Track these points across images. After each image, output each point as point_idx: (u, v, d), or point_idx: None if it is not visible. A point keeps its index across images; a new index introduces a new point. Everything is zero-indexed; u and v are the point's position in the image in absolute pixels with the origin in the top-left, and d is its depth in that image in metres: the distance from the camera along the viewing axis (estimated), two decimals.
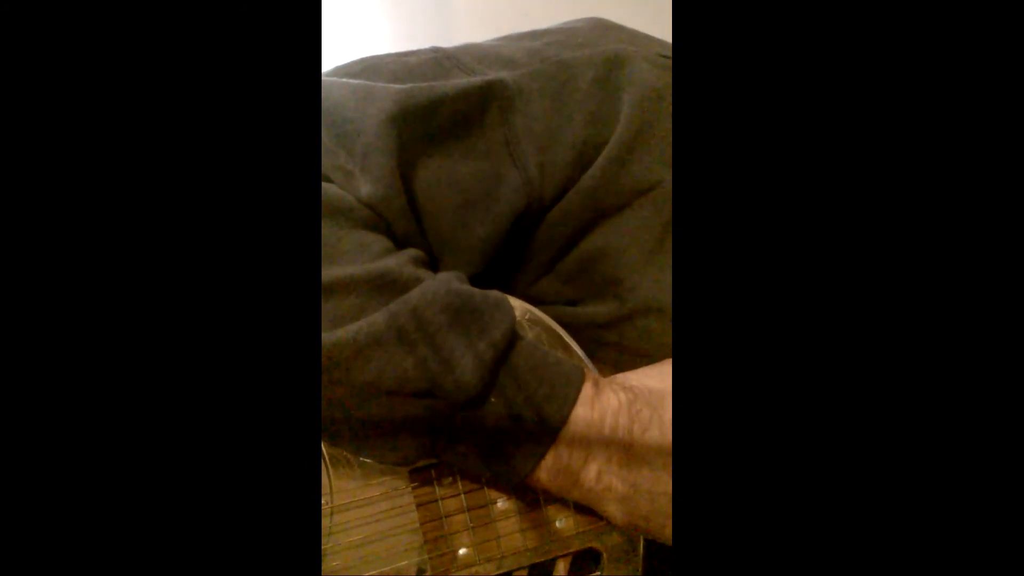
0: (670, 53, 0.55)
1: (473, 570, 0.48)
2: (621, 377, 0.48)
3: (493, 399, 0.43)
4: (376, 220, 0.45)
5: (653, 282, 0.49)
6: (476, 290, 0.45)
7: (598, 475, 0.45)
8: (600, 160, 0.48)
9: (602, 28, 0.56)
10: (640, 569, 0.50)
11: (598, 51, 0.51)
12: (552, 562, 0.49)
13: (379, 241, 0.45)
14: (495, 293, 0.45)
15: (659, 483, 0.45)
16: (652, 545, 0.50)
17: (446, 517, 0.48)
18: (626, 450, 0.44)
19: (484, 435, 0.43)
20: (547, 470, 0.45)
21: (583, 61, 0.50)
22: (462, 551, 0.48)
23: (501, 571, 0.48)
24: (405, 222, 0.46)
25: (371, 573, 0.46)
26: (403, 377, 0.41)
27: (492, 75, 0.49)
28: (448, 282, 0.44)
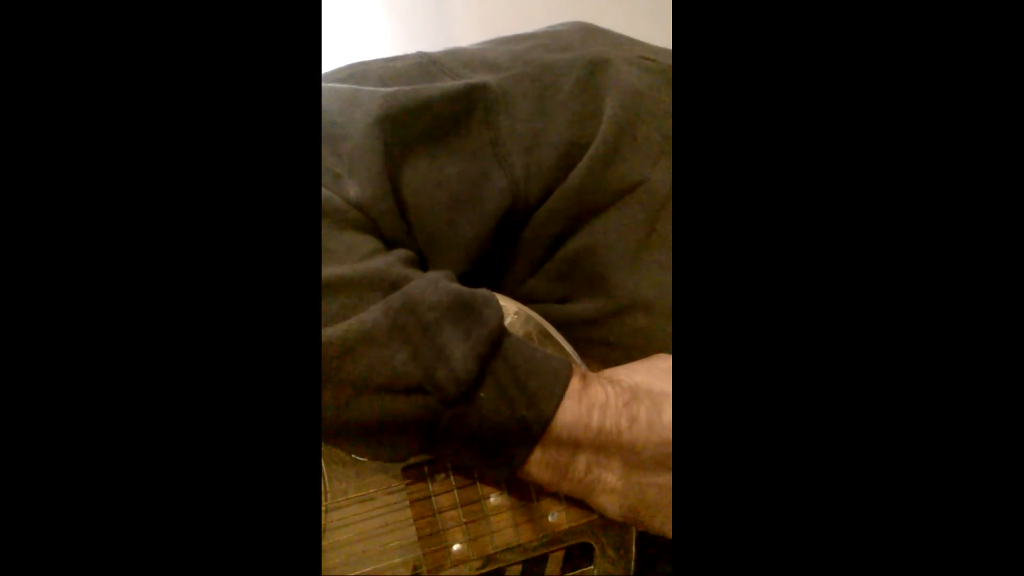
0: (652, 55, 0.56)
1: (468, 566, 0.48)
2: (609, 372, 0.49)
3: (483, 394, 0.43)
4: (365, 221, 0.46)
5: (639, 279, 0.50)
6: (465, 287, 0.45)
7: (587, 467, 0.46)
8: (585, 160, 0.49)
9: (585, 31, 0.57)
10: (633, 563, 0.50)
11: (580, 54, 0.52)
12: (545, 557, 0.50)
13: (368, 242, 0.45)
14: (484, 291, 0.46)
15: (648, 474, 0.45)
16: (645, 539, 0.50)
17: (439, 513, 0.48)
18: (614, 442, 0.45)
19: (473, 430, 0.43)
20: (536, 463, 0.45)
21: (566, 64, 0.51)
22: (456, 547, 0.48)
23: (495, 567, 0.49)
24: (394, 223, 0.47)
25: (366, 570, 0.47)
26: (394, 373, 0.42)
27: (476, 78, 0.49)
28: (438, 280, 0.44)
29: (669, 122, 0.52)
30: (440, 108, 0.48)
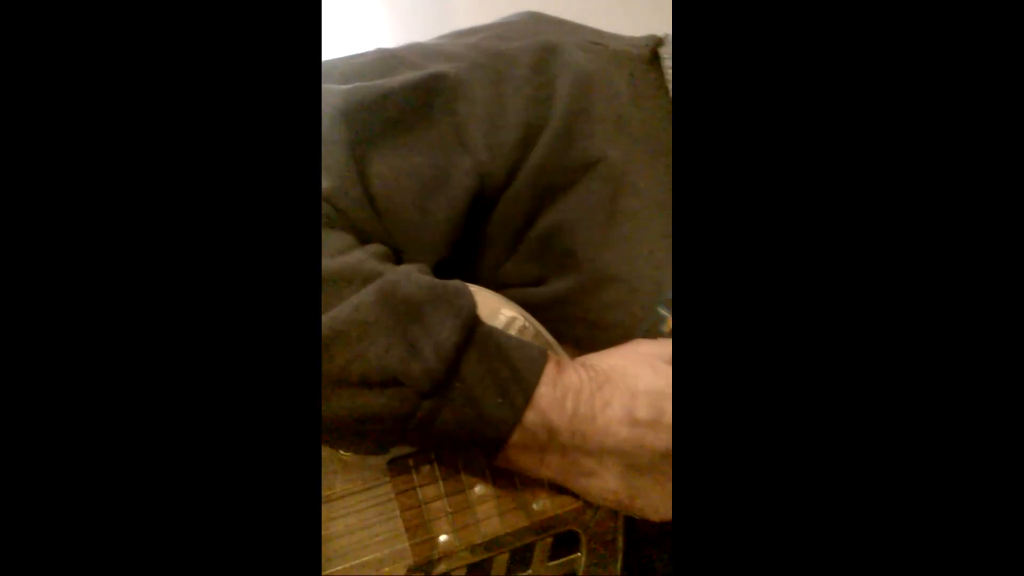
0: (600, 40, 0.58)
1: (455, 556, 0.49)
2: (583, 358, 0.49)
3: (458, 384, 0.44)
4: (336, 218, 0.47)
5: (608, 253, 0.52)
6: (437, 280, 0.46)
7: (563, 450, 0.46)
8: (543, 139, 0.51)
9: (536, 20, 0.59)
10: (620, 551, 0.51)
11: (532, 41, 0.54)
12: (532, 546, 0.50)
13: (341, 239, 0.46)
14: (456, 282, 0.47)
15: (624, 456, 0.46)
16: (632, 525, 0.51)
17: (425, 504, 0.49)
18: (589, 426, 0.46)
19: (450, 421, 0.44)
20: (515, 448, 0.46)
21: (519, 51, 0.53)
22: (442, 538, 0.49)
23: (482, 556, 0.49)
24: (363, 213, 0.48)
25: (354, 563, 0.48)
26: (369, 367, 0.42)
27: (435, 68, 0.51)
28: (409, 273, 0.45)
29: (620, 102, 0.53)
30: (402, 99, 0.49)
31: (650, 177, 0.53)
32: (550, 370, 0.46)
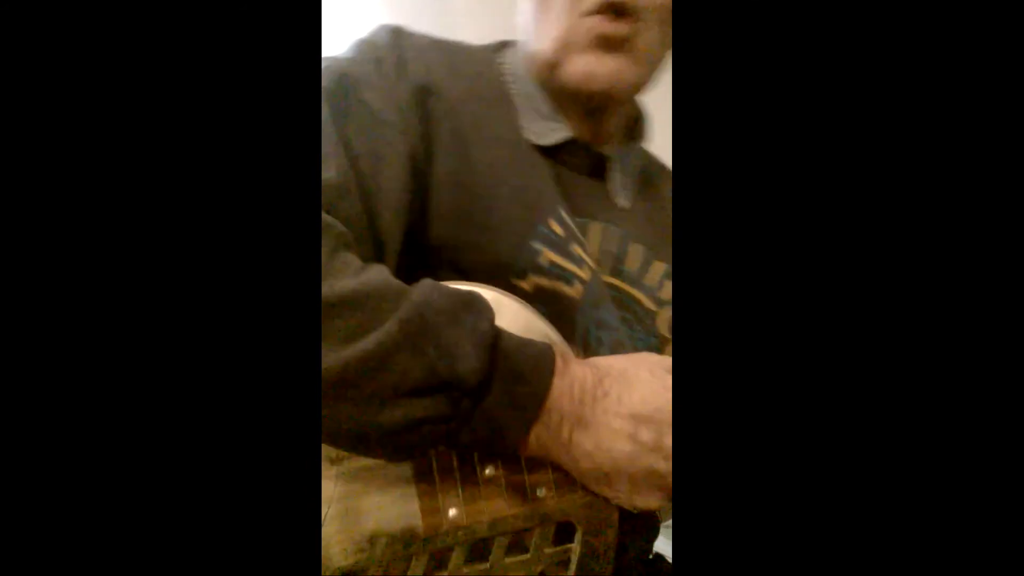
0: (451, 40, 0.71)
1: (463, 531, 0.50)
2: (588, 359, 0.55)
3: (493, 383, 0.48)
4: (346, 236, 0.52)
5: (466, 199, 0.61)
6: (455, 288, 0.50)
7: (570, 435, 0.51)
8: (410, 116, 0.62)
9: (389, 27, 0.68)
10: (613, 546, 0.53)
11: (388, 42, 0.66)
12: (531, 531, 0.52)
13: (355, 259, 0.51)
14: (472, 290, 0.51)
15: (617, 443, 0.51)
16: (625, 522, 0.53)
17: (438, 475, 0.51)
18: (590, 413, 0.51)
19: (486, 413, 0.48)
20: (533, 434, 0.51)
21: (383, 53, 0.64)
22: (452, 512, 0.51)
23: (485, 535, 0.51)
24: (353, 205, 0.55)
25: (368, 526, 0.49)
26: (416, 377, 0.46)
27: (340, 60, 0.63)
28: (436, 286, 0.49)
29: (460, 82, 0.66)
30: (334, 94, 0.59)
31: (499, 142, 0.64)
32: (559, 363, 0.51)
